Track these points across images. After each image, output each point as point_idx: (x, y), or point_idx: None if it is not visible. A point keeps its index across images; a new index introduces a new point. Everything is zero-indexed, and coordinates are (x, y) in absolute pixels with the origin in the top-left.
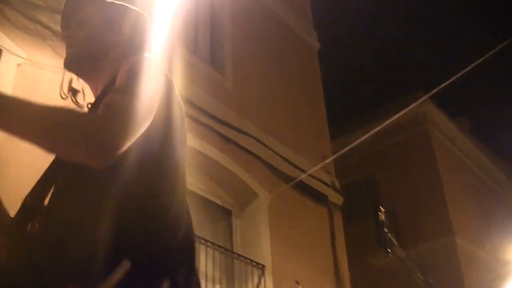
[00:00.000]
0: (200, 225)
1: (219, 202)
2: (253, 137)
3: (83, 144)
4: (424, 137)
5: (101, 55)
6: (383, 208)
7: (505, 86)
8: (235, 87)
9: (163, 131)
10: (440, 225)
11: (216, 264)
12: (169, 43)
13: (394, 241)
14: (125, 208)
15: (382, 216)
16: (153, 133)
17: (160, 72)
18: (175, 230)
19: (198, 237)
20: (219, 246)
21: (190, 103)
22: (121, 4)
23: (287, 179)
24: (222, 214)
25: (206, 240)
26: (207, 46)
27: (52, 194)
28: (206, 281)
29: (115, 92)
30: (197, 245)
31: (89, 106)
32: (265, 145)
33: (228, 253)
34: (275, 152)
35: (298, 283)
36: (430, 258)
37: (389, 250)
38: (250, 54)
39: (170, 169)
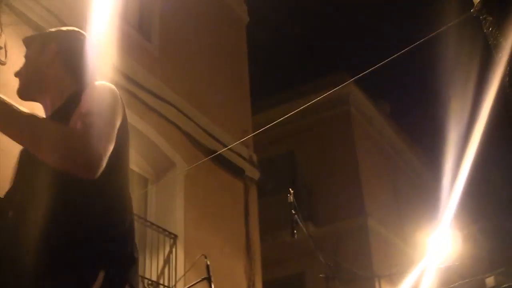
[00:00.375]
0: None
1: (136, 169)
2: (175, 107)
3: (76, 159)
4: (344, 117)
5: (40, 76)
6: (300, 184)
7: (428, 75)
8: (161, 55)
9: (120, 144)
10: (354, 206)
11: None
12: (98, 8)
13: (301, 223)
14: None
15: (290, 198)
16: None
17: (116, 96)
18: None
19: None
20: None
21: (114, 68)
22: (53, 29)
23: (206, 150)
24: (138, 182)
25: None
26: (135, 12)
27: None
28: None
29: (88, 115)
30: None
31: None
32: (186, 116)
33: (141, 221)
34: (196, 123)
35: (205, 257)
36: (342, 237)
37: (295, 232)
38: (178, 23)
39: (124, 173)
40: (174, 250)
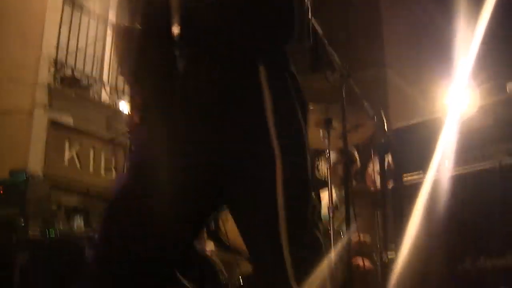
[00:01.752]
0: None
1: None
2: None
3: None
4: None
5: None
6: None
7: None
8: None
9: None
10: (373, 55)
11: None
12: None
13: (337, 61)
14: None
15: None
16: None
17: None
18: None
19: None
20: None
21: None
22: None
23: None
24: None
25: None
26: None
27: None
28: None
29: None
30: None
31: None
32: None
33: None
34: None
35: None
36: (360, 88)
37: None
38: None
39: None
40: None
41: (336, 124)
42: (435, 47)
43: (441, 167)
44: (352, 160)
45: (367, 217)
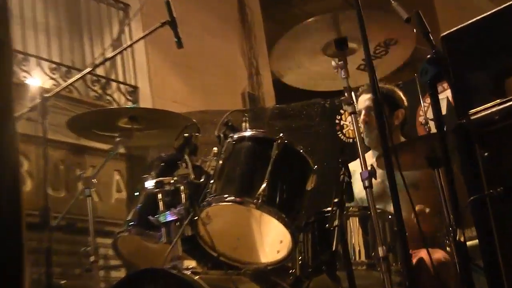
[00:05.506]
0: None
1: None
2: None
3: None
4: None
5: None
6: None
7: None
8: None
9: None
10: None
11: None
12: None
13: None
14: None
15: None
16: None
17: None
18: None
19: None
20: None
21: None
22: None
23: None
24: None
25: None
26: None
27: None
28: None
29: None
30: None
31: None
32: None
33: None
34: None
35: None
36: None
37: None
38: None
39: None
40: (126, 22)
41: (354, 45)
42: None
43: None
44: (397, 104)
45: (426, 183)
